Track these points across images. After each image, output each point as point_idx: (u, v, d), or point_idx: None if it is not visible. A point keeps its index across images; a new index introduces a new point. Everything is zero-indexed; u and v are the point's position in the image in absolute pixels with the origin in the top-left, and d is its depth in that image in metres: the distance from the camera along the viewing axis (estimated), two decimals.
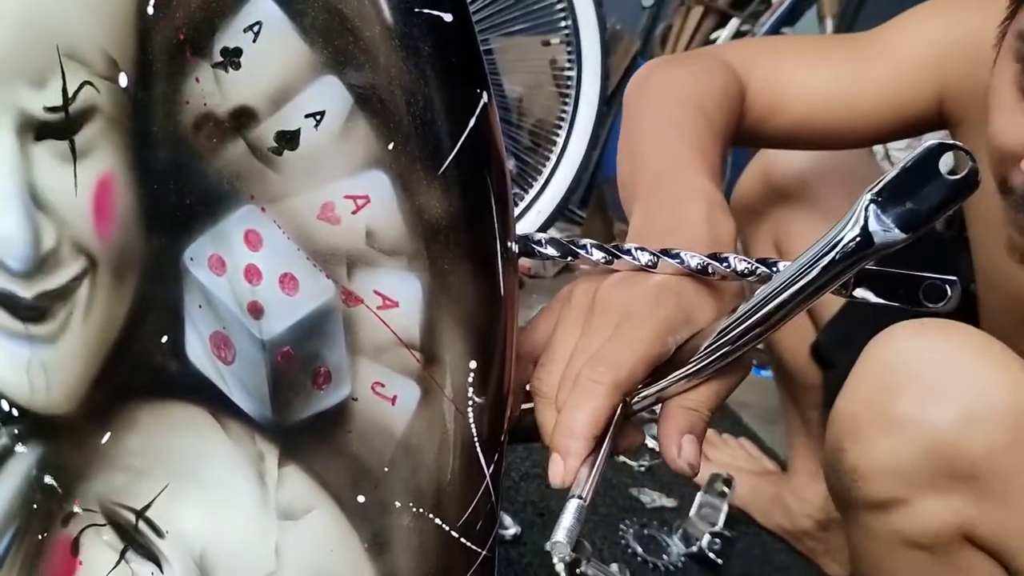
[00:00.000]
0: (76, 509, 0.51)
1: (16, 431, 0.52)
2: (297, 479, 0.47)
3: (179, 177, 0.44)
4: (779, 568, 1.06)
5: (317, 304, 0.43)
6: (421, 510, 0.46)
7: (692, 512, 1.08)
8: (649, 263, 0.49)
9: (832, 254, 0.41)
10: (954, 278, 0.45)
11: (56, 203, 0.47)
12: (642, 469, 1.14)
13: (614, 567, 0.95)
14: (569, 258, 0.51)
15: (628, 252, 0.49)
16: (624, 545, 1.00)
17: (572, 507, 0.42)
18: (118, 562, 0.51)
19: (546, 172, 1.61)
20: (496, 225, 0.43)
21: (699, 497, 1.10)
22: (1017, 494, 0.56)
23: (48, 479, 0.52)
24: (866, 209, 0.39)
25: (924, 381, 0.61)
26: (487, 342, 0.44)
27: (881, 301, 0.46)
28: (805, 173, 0.94)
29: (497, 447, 0.47)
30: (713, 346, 0.45)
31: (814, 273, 0.42)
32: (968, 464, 0.57)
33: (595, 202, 1.77)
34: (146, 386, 0.48)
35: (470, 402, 0.44)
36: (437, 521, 0.46)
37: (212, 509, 0.49)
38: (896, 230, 0.39)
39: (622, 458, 1.14)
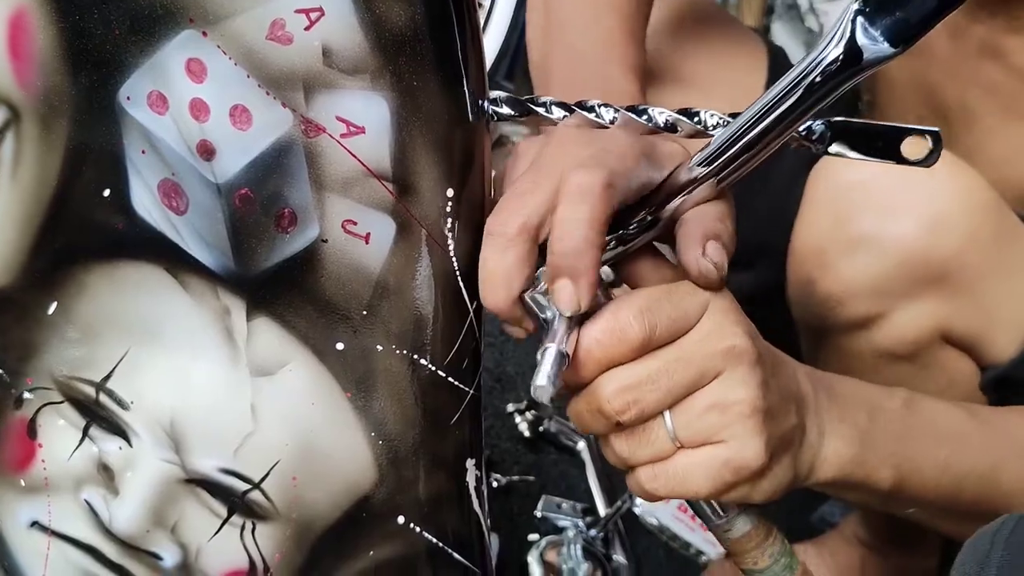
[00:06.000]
0: (28, 389, 0.48)
1: None
2: (269, 332, 0.44)
3: (103, 4, 0.39)
4: None
5: (274, 137, 0.40)
6: (405, 352, 0.44)
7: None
8: (613, 120, 0.46)
9: (816, 72, 0.38)
10: (936, 129, 0.43)
11: None
12: None
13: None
14: (526, 117, 0.47)
15: (591, 108, 0.46)
16: None
17: (551, 353, 0.40)
18: (81, 440, 0.48)
19: None
20: (459, 36, 0.40)
21: None
22: (985, 285, 0.59)
23: None
24: (853, 21, 0.37)
25: (880, 199, 0.62)
26: (463, 167, 0.41)
27: (859, 156, 0.45)
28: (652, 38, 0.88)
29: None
30: (697, 175, 0.43)
31: (797, 95, 0.39)
32: (938, 266, 0.59)
33: (523, 72, 1.73)
34: (91, 247, 0.44)
35: (449, 234, 0.42)
36: (423, 362, 0.44)
37: (179, 373, 0.46)
38: (885, 43, 0.36)
39: None
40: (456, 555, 0.49)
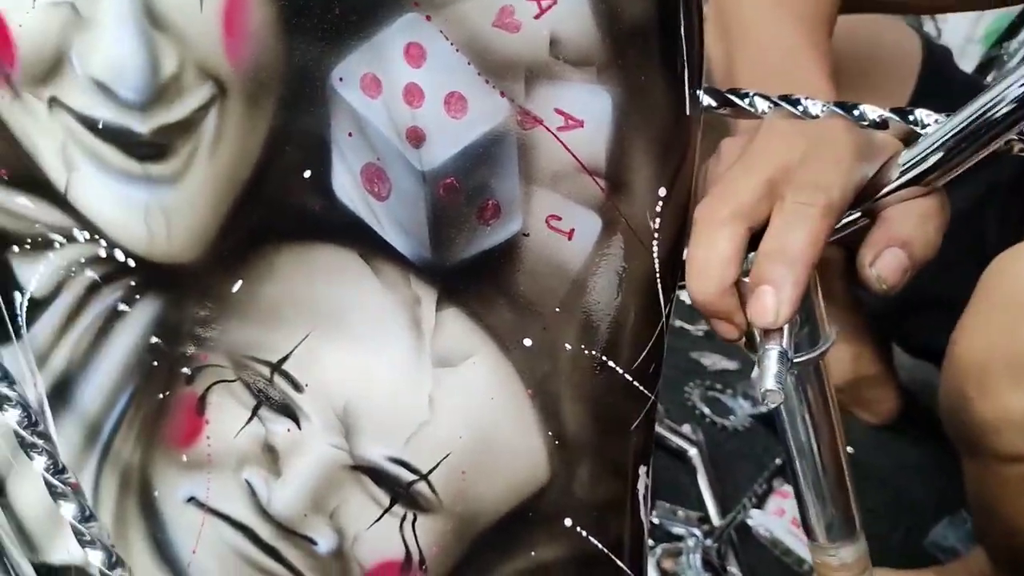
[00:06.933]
0: (202, 365, 0.48)
1: (133, 283, 0.48)
2: (457, 323, 0.43)
3: None
4: None
5: (488, 127, 0.39)
6: (593, 352, 0.43)
7: (754, 375, 1.07)
8: (820, 116, 0.44)
9: None
10: None
11: (178, 20, 0.41)
12: (700, 333, 1.12)
13: (686, 427, 0.94)
14: (725, 109, 0.46)
15: (797, 102, 0.44)
16: (691, 407, 1.00)
17: (774, 354, 0.38)
18: (250, 419, 0.48)
19: None
20: (684, 29, 0.38)
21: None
22: None
23: (169, 334, 0.48)
24: None
25: None
26: (678, 166, 0.40)
27: None
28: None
29: (675, 286, 0.43)
30: (906, 171, 0.41)
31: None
32: None
33: None
34: (285, 228, 0.44)
35: (655, 235, 0.41)
36: (610, 364, 0.43)
37: (359, 359, 0.45)
38: None
39: (679, 323, 1.12)
40: (619, 563, 0.48)
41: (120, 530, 0.51)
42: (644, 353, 0.43)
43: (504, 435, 0.45)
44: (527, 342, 0.43)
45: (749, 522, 0.85)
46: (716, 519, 0.83)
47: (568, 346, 0.43)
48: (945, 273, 0.88)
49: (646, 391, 0.45)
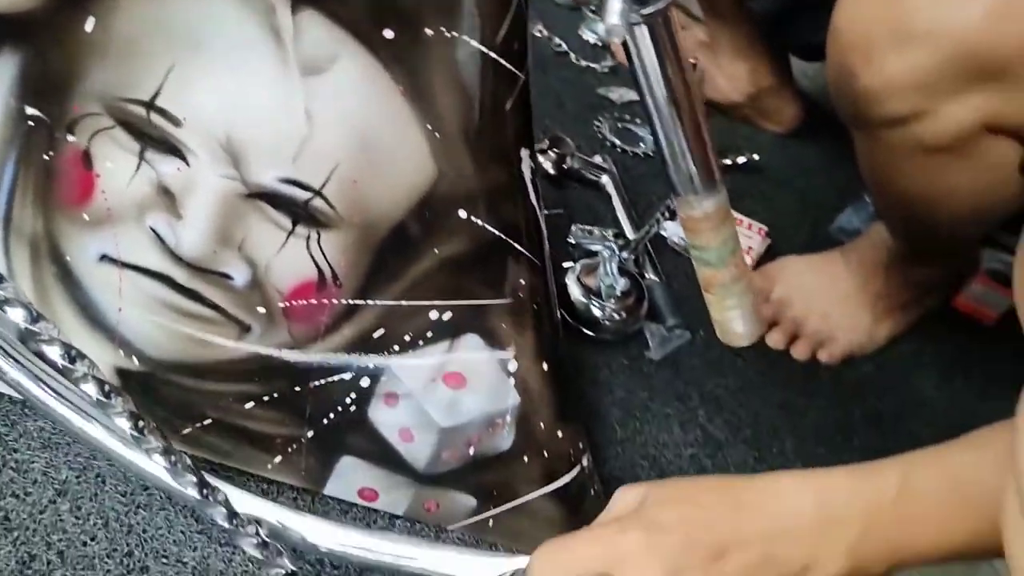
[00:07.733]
0: (76, 116, 0.48)
1: None
2: (315, 25, 0.43)
3: None
4: (747, 142, 1.10)
5: None
6: (455, 34, 0.43)
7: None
8: None
9: None
10: None
11: None
12: (606, 70, 1.12)
13: (597, 158, 0.96)
14: None
15: None
16: (601, 139, 1.01)
17: None
18: (139, 165, 0.48)
19: None
20: None
21: None
22: None
23: (35, 90, 0.47)
24: None
25: None
26: None
27: None
28: None
29: None
30: None
31: None
32: (998, 60, 0.53)
33: None
34: None
35: None
36: (473, 44, 0.44)
37: (228, 81, 0.45)
38: None
39: (584, 62, 1.12)
40: (517, 246, 0.51)
41: (43, 301, 0.53)
42: (505, 29, 0.44)
43: (386, 137, 0.46)
44: (388, 33, 0.43)
45: (663, 233, 0.89)
46: (631, 234, 0.87)
47: (429, 31, 0.43)
48: None
49: (515, 69, 0.46)
